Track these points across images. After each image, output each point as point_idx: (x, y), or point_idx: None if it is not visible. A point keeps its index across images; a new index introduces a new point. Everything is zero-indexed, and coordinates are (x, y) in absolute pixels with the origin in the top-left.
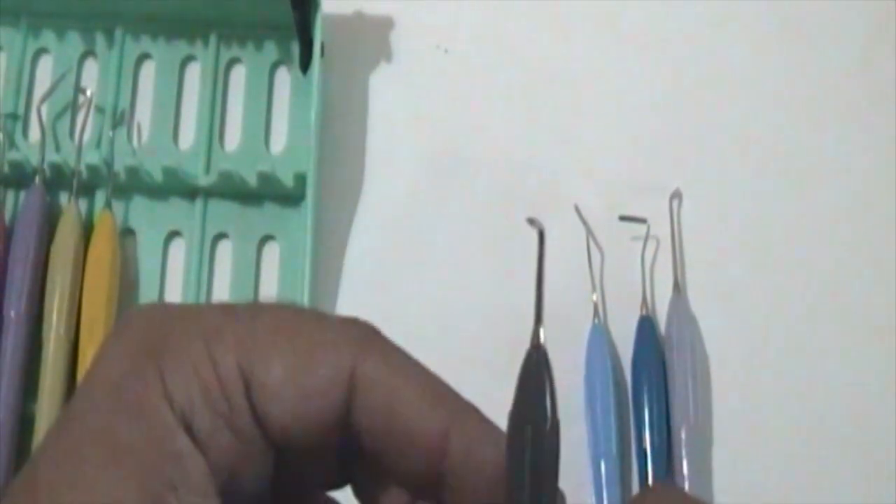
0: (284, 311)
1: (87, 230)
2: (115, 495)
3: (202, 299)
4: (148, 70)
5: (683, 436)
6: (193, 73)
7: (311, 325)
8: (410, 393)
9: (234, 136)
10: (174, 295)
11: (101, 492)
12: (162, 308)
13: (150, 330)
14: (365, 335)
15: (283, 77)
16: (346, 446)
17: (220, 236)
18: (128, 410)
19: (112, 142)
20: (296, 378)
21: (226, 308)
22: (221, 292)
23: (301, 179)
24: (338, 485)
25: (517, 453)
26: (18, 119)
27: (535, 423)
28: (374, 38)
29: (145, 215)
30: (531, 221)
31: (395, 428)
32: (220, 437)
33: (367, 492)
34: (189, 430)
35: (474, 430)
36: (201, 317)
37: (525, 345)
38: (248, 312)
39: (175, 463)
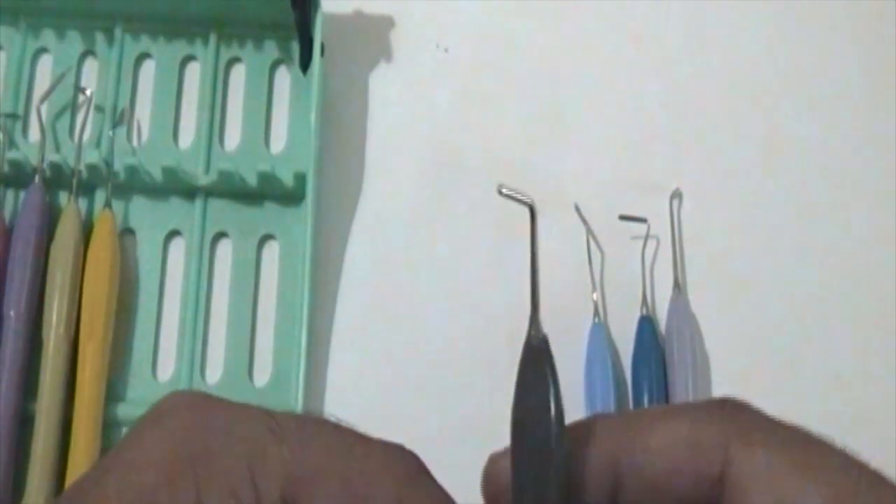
0: (334, 439)
1: (87, 230)
2: None
3: (202, 299)
4: (148, 70)
5: None
6: (193, 72)
7: (361, 459)
8: None
9: (234, 136)
10: (174, 294)
11: None
12: (205, 404)
13: (190, 432)
14: (411, 467)
15: (283, 77)
16: None
17: (220, 236)
18: None
19: (112, 141)
20: None
21: (271, 422)
22: (221, 292)
23: (301, 179)
24: None
25: (521, 454)
26: (18, 119)
27: (538, 418)
28: (374, 38)
29: (145, 215)
30: (512, 197)
31: None
32: None
33: None
34: None
35: None
36: (246, 430)
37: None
38: (296, 434)
39: None
